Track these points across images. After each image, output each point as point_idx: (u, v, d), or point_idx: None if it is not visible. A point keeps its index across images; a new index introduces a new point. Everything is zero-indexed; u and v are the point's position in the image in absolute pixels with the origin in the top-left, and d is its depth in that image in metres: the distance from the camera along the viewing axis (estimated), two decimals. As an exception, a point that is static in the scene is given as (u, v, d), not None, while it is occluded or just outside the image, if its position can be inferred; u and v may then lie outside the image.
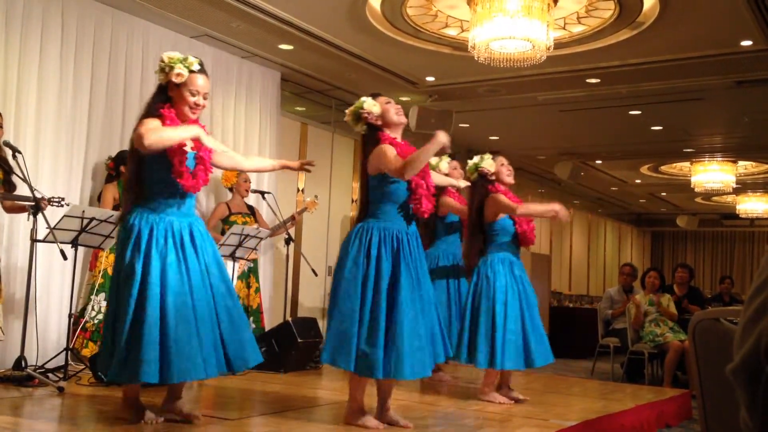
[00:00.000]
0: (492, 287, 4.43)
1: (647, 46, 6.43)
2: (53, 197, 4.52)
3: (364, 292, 3.42)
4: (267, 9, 5.86)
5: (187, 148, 3.35)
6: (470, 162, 4.72)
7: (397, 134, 3.70)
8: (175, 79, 3.35)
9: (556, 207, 4.50)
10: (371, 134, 3.67)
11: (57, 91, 5.42)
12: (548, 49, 5.44)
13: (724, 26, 5.93)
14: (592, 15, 5.97)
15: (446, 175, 5.49)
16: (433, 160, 5.39)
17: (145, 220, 3.28)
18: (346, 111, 3.74)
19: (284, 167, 3.90)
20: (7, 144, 4.33)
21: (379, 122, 3.66)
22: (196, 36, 6.50)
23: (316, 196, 6.82)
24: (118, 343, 3.14)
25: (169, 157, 3.29)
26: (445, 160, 5.53)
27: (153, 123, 3.29)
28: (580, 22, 6.13)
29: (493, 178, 4.65)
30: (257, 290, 6.46)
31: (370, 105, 3.64)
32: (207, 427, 3.39)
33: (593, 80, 7.42)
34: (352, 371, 3.40)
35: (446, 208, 5.42)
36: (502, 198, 4.54)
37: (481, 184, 4.65)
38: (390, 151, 3.54)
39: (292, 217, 6.51)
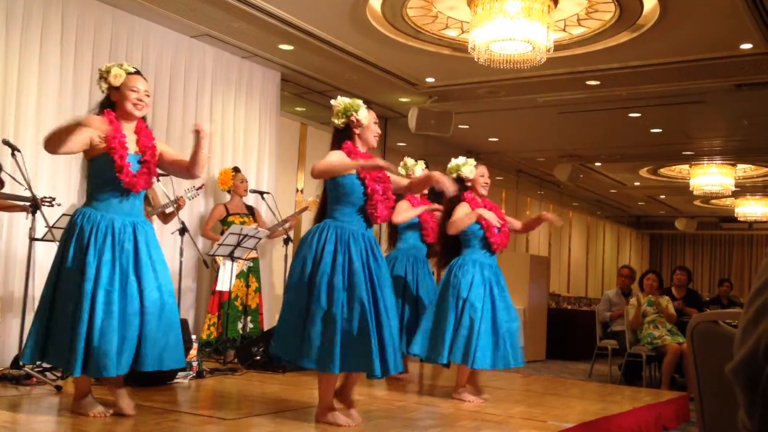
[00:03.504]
0: (459, 287, 4.49)
1: (647, 48, 6.43)
2: (44, 197, 4.52)
3: (318, 289, 3.48)
4: (267, 9, 5.86)
5: (129, 148, 3.51)
6: (453, 162, 4.72)
7: (363, 148, 3.78)
8: (113, 81, 3.52)
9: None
10: (341, 135, 3.76)
11: (57, 90, 5.42)
12: (548, 50, 5.44)
13: (723, 29, 5.93)
14: (592, 17, 5.98)
15: None
16: (410, 162, 5.52)
17: (87, 219, 3.45)
18: (342, 100, 3.76)
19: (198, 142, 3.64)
20: (6, 142, 4.33)
21: (357, 131, 3.74)
22: (196, 36, 6.51)
23: (317, 196, 6.76)
24: (64, 336, 3.31)
25: (110, 154, 3.45)
26: (421, 165, 5.54)
27: (84, 129, 3.41)
28: (580, 24, 6.13)
29: (469, 184, 4.68)
30: (257, 290, 6.45)
31: (363, 114, 3.72)
32: (205, 427, 3.39)
33: (593, 82, 7.43)
34: (314, 368, 3.49)
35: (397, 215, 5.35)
36: (458, 213, 4.56)
37: (456, 188, 4.66)
38: (335, 156, 3.63)
39: (291, 218, 6.50)
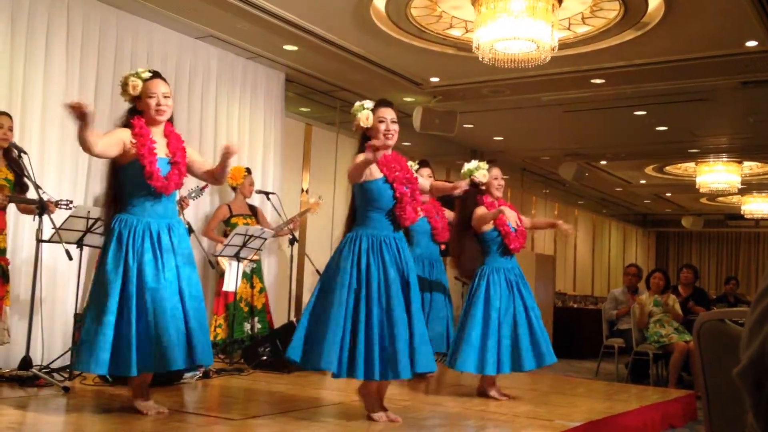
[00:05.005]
0: (485, 295, 4.52)
1: (652, 46, 6.42)
2: (61, 200, 4.55)
3: (356, 301, 3.54)
4: (272, 10, 5.86)
5: (157, 152, 3.58)
6: (466, 166, 4.73)
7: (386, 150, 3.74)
8: (132, 92, 3.61)
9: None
10: (363, 137, 3.78)
11: (62, 92, 5.43)
12: (553, 49, 5.44)
13: (729, 27, 5.91)
14: (596, 15, 5.96)
15: None
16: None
17: (124, 224, 3.54)
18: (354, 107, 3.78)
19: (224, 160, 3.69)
20: (13, 145, 4.35)
21: (368, 133, 3.75)
22: (200, 37, 6.52)
23: (320, 197, 6.80)
24: (104, 340, 3.37)
25: (140, 160, 3.53)
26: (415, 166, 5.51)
27: (117, 134, 3.56)
28: (584, 23, 6.12)
29: (484, 188, 4.68)
30: (262, 290, 6.45)
31: (363, 117, 3.70)
32: (211, 428, 3.40)
33: (598, 81, 7.41)
34: (360, 378, 3.54)
35: None
36: (479, 212, 4.61)
37: (472, 193, 4.68)
38: (357, 159, 3.64)
39: (292, 220, 6.48)
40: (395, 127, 3.73)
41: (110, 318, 3.38)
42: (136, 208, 3.55)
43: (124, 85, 3.62)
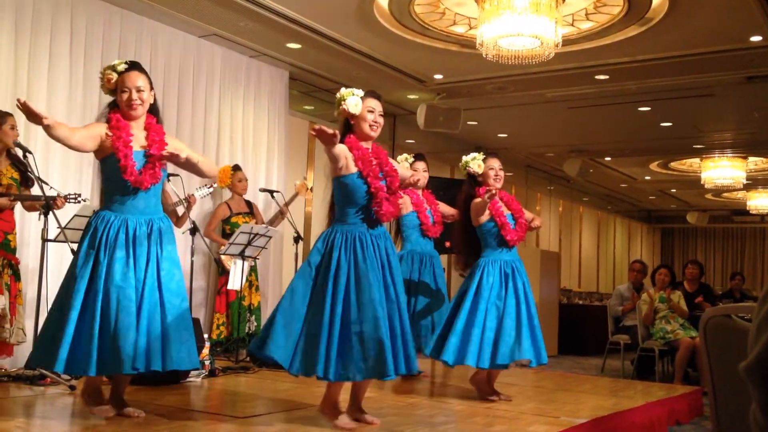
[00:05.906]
0: (475, 286, 4.43)
1: (656, 42, 6.40)
2: (69, 194, 4.55)
3: (324, 297, 3.37)
4: (275, 8, 5.87)
5: (134, 146, 3.46)
6: (464, 159, 4.68)
7: (366, 143, 3.61)
8: (108, 86, 3.52)
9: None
10: (345, 128, 3.63)
11: (67, 91, 5.45)
12: (556, 45, 5.43)
13: (733, 22, 5.90)
14: (600, 11, 5.95)
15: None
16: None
17: (101, 219, 3.44)
18: (341, 91, 3.66)
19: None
20: (18, 144, 4.36)
21: (352, 121, 3.61)
22: (204, 35, 6.52)
23: (304, 178, 6.77)
24: (66, 335, 3.26)
25: (116, 154, 3.42)
26: (404, 159, 5.29)
27: (94, 128, 3.48)
28: (588, 19, 6.11)
29: (480, 180, 4.62)
30: (257, 288, 6.45)
31: (353, 103, 3.56)
32: (216, 426, 3.41)
33: (602, 77, 7.40)
34: (324, 378, 3.35)
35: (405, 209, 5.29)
36: (474, 202, 4.54)
37: (468, 185, 4.63)
38: (337, 150, 3.46)
39: (281, 211, 6.42)
40: (381, 120, 3.64)
41: (73, 314, 3.27)
42: (115, 204, 3.44)
43: (101, 78, 3.52)
